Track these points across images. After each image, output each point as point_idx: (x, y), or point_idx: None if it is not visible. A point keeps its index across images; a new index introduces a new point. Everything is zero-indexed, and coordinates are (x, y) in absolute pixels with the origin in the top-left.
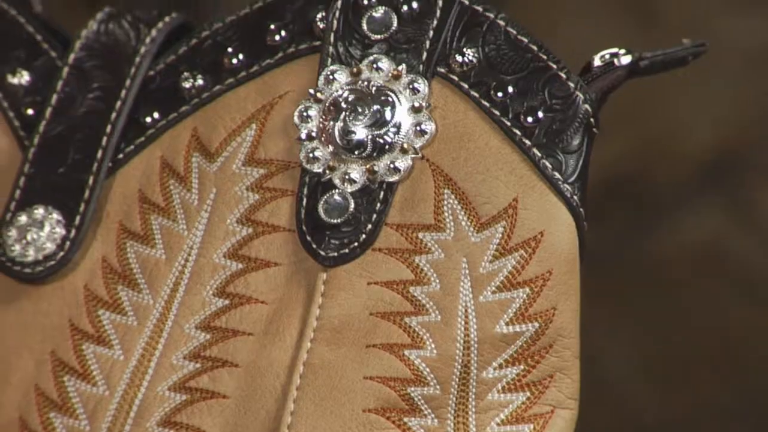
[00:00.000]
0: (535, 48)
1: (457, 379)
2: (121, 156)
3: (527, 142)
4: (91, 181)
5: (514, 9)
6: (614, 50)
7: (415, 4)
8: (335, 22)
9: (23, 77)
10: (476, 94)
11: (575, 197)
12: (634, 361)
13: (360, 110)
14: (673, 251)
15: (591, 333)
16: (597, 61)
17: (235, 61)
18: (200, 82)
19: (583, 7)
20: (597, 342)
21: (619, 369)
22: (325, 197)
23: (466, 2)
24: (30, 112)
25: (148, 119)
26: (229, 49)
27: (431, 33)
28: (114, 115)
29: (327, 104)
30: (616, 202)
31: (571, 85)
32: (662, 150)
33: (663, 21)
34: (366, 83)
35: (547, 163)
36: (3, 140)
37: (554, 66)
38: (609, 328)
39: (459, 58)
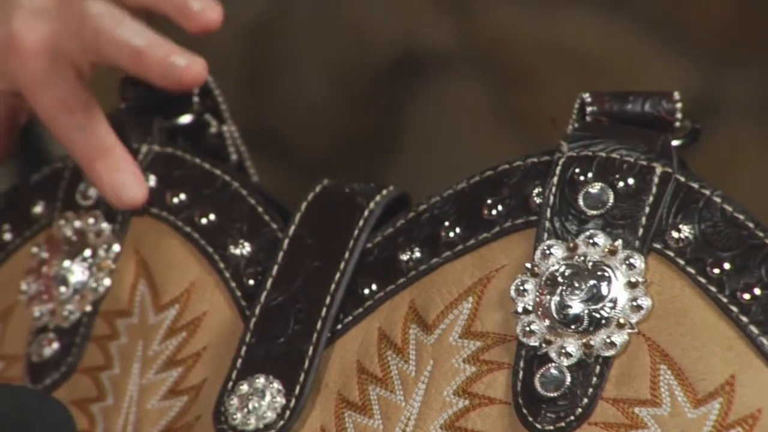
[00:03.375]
0: (751, 225)
1: None
2: (339, 327)
3: (744, 319)
4: (310, 351)
5: (693, 162)
6: None
7: (631, 181)
8: (552, 197)
9: (245, 248)
10: (692, 271)
11: None
12: None
13: (576, 285)
14: None
15: None
16: None
17: (452, 234)
18: (417, 254)
19: (763, 157)
20: None
21: None
22: (542, 371)
23: (682, 179)
24: (251, 282)
25: (367, 291)
26: (446, 223)
27: (647, 209)
28: (333, 286)
29: (544, 279)
30: None
31: None
32: None
33: None
34: (582, 258)
35: (765, 341)
36: (225, 310)
37: None
38: None
39: (675, 234)
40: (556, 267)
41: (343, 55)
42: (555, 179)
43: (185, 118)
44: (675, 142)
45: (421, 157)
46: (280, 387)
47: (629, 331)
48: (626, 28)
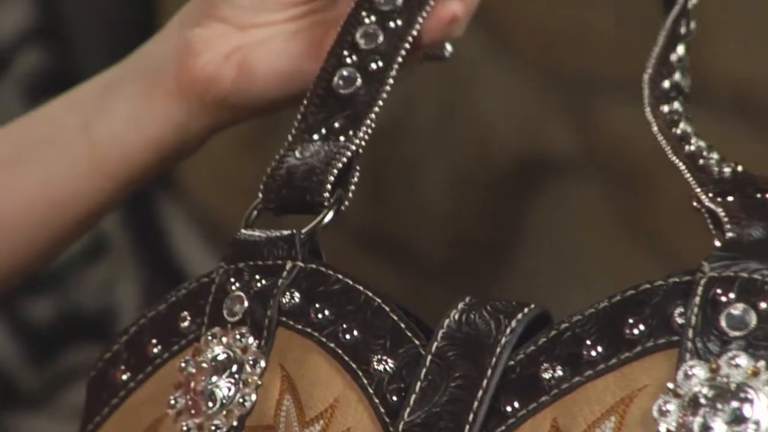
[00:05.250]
0: None
1: None
2: None
3: None
4: None
5: None
6: None
7: None
8: (694, 318)
9: (388, 364)
10: None
11: None
12: None
13: (719, 406)
14: None
15: None
16: None
17: (594, 353)
18: (560, 372)
19: None
20: None
21: None
22: None
23: None
24: (394, 398)
25: (509, 408)
26: (588, 342)
27: None
28: (476, 404)
29: (686, 399)
30: None
31: None
32: None
33: None
34: (725, 379)
35: None
36: (369, 426)
37: None
38: None
39: None
40: (699, 388)
41: (464, 160)
42: (697, 299)
43: (327, 217)
44: None
45: (542, 262)
46: None
47: None
48: (745, 131)
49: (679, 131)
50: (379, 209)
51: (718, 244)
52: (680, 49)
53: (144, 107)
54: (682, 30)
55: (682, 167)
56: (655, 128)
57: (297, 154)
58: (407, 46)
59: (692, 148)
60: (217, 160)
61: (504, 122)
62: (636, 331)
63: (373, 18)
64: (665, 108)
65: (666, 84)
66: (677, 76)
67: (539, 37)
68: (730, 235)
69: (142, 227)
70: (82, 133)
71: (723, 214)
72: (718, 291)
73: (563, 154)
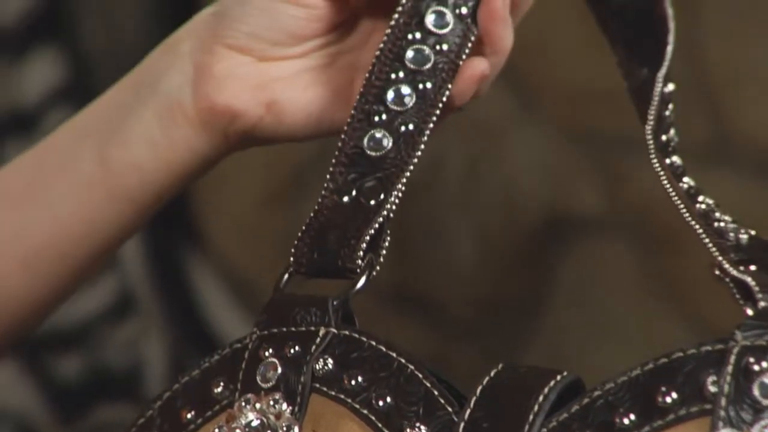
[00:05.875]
0: None
1: None
2: None
3: None
4: None
5: None
6: None
7: None
8: (726, 386)
9: (421, 431)
10: None
11: None
12: None
13: None
14: None
15: None
16: None
17: (626, 421)
18: None
19: None
20: None
21: None
22: None
23: None
24: None
25: None
26: (621, 409)
27: None
28: None
29: None
30: None
31: None
32: None
33: None
34: None
35: None
36: None
37: None
38: None
39: None
40: None
41: (491, 218)
42: (729, 368)
43: (360, 283)
44: None
45: (569, 321)
46: None
47: None
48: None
49: (685, 185)
50: (406, 266)
51: (750, 312)
52: (670, 107)
53: (162, 135)
54: (666, 89)
55: (700, 231)
56: (664, 180)
57: (327, 216)
58: (438, 112)
59: (703, 206)
60: (242, 213)
61: (531, 181)
62: (669, 399)
63: (401, 74)
64: (667, 160)
65: (664, 138)
66: (672, 132)
67: (566, 96)
68: (762, 304)
69: (169, 284)
70: (97, 160)
71: (753, 283)
72: (751, 360)
73: (591, 212)
